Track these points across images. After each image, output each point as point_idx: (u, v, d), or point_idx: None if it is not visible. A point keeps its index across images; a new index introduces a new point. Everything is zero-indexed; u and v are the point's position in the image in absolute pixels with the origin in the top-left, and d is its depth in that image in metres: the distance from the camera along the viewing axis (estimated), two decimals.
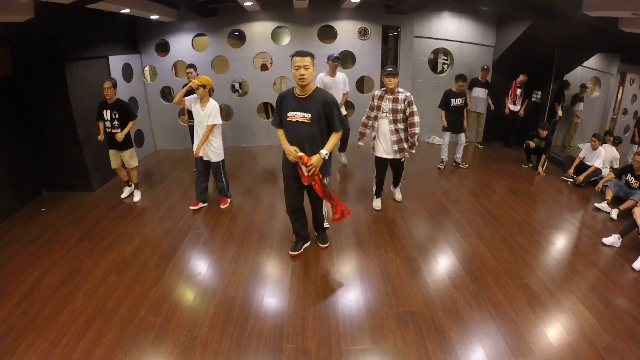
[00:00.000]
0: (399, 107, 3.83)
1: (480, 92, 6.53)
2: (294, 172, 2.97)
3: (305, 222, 3.37)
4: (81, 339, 2.44)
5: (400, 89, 3.88)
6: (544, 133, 5.48)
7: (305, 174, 2.85)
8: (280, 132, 2.98)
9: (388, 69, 3.80)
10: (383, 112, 3.90)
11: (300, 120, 2.82)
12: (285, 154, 2.92)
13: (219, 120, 3.95)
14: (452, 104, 5.47)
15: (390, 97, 3.86)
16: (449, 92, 5.51)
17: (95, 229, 3.94)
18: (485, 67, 6.55)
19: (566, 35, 5.32)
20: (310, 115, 2.80)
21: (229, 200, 4.41)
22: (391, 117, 3.86)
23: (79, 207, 4.46)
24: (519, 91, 6.42)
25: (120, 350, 2.36)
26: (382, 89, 3.97)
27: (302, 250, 3.37)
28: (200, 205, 4.33)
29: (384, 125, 3.91)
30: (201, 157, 4.07)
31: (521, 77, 6.35)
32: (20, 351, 2.35)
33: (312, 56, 2.75)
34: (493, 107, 6.60)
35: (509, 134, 6.83)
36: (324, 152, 2.84)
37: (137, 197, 4.67)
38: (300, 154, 2.83)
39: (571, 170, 5.21)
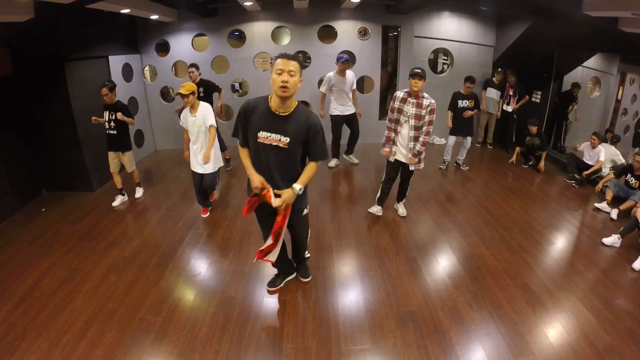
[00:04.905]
0: (422, 113, 3.55)
1: (493, 93, 6.49)
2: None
3: (285, 253, 2.87)
4: (81, 339, 2.44)
5: (425, 94, 3.59)
6: (533, 129, 5.48)
7: (273, 204, 2.28)
8: (245, 153, 2.36)
9: (415, 70, 3.47)
10: (405, 116, 3.61)
11: (274, 144, 2.21)
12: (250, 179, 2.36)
13: (213, 121, 3.77)
14: (459, 106, 5.44)
15: (414, 101, 3.56)
16: (457, 93, 5.50)
17: (95, 229, 3.94)
18: (500, 70, 6.47)
19: (566, 35, 5.31)
20: (288, 139, 2.20)
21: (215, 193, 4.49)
22: (413, 123, 3.59)
23: (79, 207, 4.46)
24: (511, 91, 6.38)
25: (120, 350, 2.36)
26: (405, 90, 3.65)
27: (282, 284, 2.92)
28: (209, 210, 4.26)
29: (405, 129, 3.65)
30: (197, 172, 3.89)
31: (511, 78, 6.26)
32: (20, 351, 2.35)
33: (300, 62, 2.18)
34: (500, 115, 6.53)
35: (505, 136, 6.73)
36: (297, 187, 2.28)
37: (138, 193, 4.75)
38: (266, 186, 2.27)
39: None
